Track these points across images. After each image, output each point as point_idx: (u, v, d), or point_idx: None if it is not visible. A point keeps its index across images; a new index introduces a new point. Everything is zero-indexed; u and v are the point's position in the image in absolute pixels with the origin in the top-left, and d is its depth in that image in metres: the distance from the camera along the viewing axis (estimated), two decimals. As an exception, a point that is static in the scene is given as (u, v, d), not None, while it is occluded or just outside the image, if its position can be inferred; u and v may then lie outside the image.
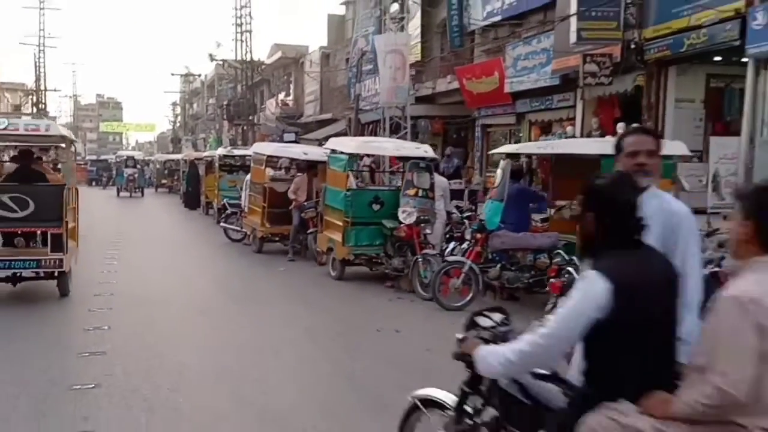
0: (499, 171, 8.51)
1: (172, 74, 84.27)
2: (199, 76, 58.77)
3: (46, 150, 14.06)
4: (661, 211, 2.81)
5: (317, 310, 7.87)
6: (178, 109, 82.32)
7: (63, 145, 9.36)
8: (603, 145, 8.02)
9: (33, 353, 5.75)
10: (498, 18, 18.33)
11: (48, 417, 4.42)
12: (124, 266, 10.60)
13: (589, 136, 15.18)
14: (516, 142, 18.04)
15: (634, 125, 12.53)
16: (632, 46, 13.26)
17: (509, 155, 8.87)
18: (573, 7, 13.24)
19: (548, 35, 15.71)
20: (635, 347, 2.33)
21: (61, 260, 7.40)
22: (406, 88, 16.49)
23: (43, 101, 44.75)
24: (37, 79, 46.36)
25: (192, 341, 6.40)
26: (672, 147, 7.46)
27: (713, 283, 5.14)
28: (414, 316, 7.61)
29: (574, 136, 15.80)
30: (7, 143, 11.26)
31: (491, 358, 2.46)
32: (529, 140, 18.14)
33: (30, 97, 46.46)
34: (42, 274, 7.55)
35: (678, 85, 13.34)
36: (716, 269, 6.25)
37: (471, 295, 7.58)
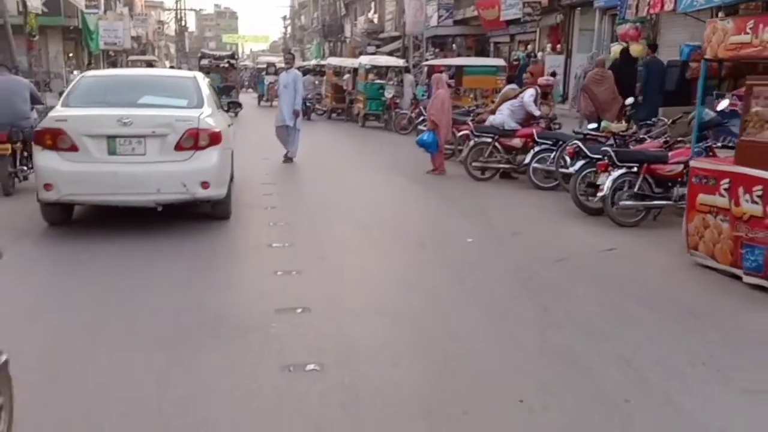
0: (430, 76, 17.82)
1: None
2: (306, -9, 67.64)
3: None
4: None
5: (356, 139, 17.13)
6: (288, 21, 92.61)
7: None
8: (468, 60, 17.27)
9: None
10: (501, -33, 26.48)
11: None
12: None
13: (536, 52, 23.67)
14: (509, 55, 26.69)
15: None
16: (553, -4, 21.52)
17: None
18: (517, -27, 21.65)
19: (519, -17, 23.93)
20: None
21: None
22: (422, 22, 25.25)
23: (185, 19, 56.61)
24: (178, 1, 57.81)
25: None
26: (495, 61, 16.55)
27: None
28: (390, 136, 17.16)
29: (533, 52, 24.31)
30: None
31: None
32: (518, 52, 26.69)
33: (175, 14, 58.08)
34: None
35: (581, 20, 21.51)
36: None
37: (411, 127, 17.05)
